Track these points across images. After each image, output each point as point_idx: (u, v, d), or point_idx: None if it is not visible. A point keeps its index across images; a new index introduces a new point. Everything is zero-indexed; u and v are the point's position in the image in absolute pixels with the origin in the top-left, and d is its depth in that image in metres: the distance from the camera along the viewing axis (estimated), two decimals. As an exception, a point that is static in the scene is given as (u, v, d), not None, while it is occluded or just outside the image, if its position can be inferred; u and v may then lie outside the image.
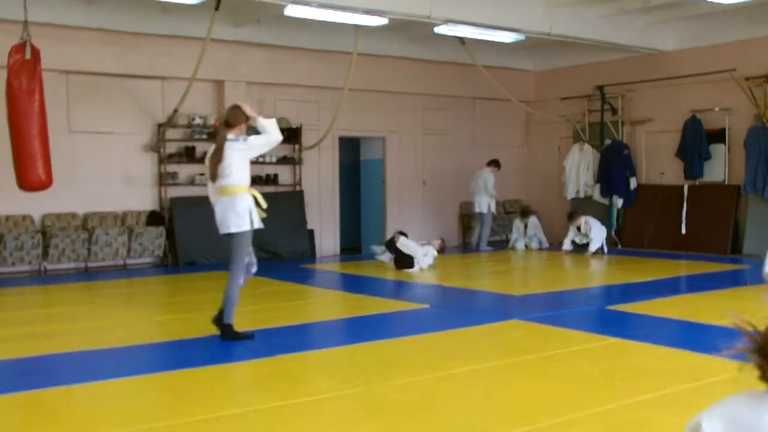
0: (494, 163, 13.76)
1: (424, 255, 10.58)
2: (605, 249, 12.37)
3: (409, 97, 14.08)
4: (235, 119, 6.07)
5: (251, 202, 5.96)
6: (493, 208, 13.58)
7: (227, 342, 5.91)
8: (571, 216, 12.73)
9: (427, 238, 14.35)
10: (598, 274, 10.14)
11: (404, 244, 10.61)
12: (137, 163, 11.51)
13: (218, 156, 5.88)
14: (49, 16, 10.08)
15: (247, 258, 6.03)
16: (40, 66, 8.15)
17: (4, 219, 10.40)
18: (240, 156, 5.95)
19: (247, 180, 6.02)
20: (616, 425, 3.86)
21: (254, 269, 6.20)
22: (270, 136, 6.06)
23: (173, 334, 6.34)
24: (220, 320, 6.03)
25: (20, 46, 8.07)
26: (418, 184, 14.41)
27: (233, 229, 5.91)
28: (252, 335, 6.06)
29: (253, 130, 6.27)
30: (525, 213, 13.65)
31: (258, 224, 5.97)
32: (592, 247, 12.11)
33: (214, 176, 5.90)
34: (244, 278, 6.08)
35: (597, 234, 12.28)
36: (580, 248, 12.41)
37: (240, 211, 5.88)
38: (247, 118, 6.08)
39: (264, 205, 6.04)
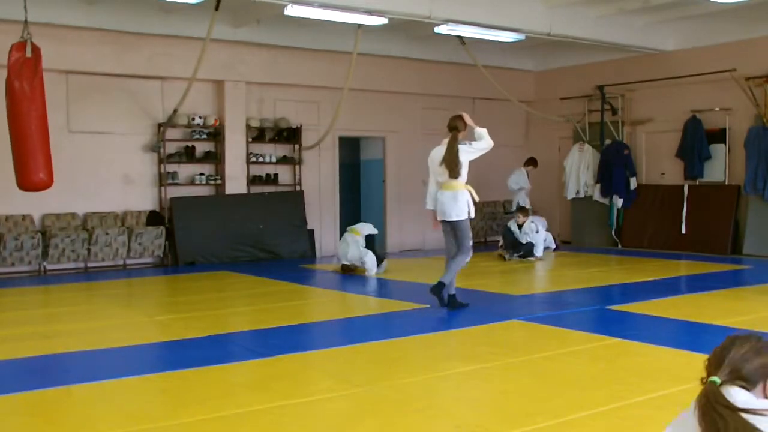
0: (527, 162, 13.87)
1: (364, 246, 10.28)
2: (540, 253, 11.86)
3: (409, 97, 14.08)
4: (461, 126, 7.34)
5: (469, 196, 7.28)
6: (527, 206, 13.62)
7: (453, 311, 7.21)
8: (522, 210, 12.19)
9: (423, 237, 14.39)
10: (597, 274, 10.13)
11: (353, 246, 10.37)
12: (137, 163, 11.52)
13: (452, 156, 7.15)
14: (49, 16, 10.08)
15: (468, 242, 7.37)
16: (41, 65, 8.12)
17: (4, 219, 10.40)
18: (464, 158, 7.23)
19: (466, 177, 7.32)
20: (616, 425, 3.86)
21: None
22: (487, 142, 7.34)
23: (173, 334, 6.34)
24: (440, 289, 7.23)
25: (21, 44, 8.06)
26: (418, 184, 14.36)
27: (454, 218, 7.23)
28: (467, 304, 7.33)
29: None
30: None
31: (473, 214, 7.35)
32: (538, 252, 11.63)
33: (450, 173, 7.19)
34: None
35: (540, 237, 11.80)
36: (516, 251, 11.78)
37: (461, 203, 7.20)
38: (466, 125, 7.34)
39: (477, 198, 7.41)
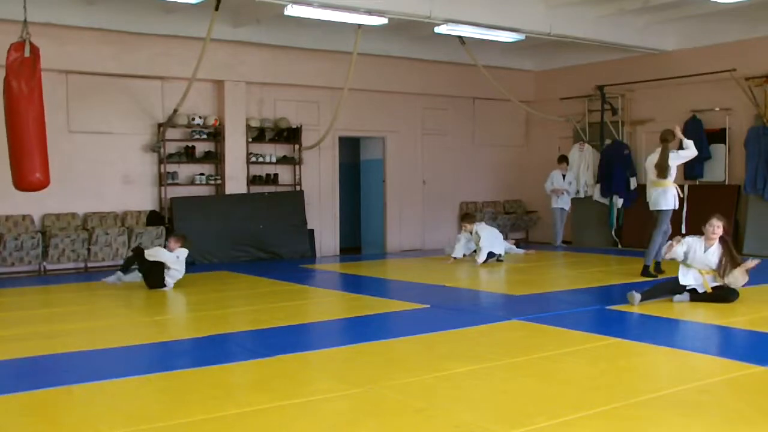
0: (558, 160, 13.94)
1: (177, 258, 8.79)
2: (502, 256, 11.29)
3: (409, 97, 14.08)
4: (670, 138, 9.27)
5: (675, 192, 9.20)
6: (559, 205, 13.70)
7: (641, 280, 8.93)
8: (465, 218, 11.44)
9: (423, 237, 14.38)
10: (597, 274, 10.13)
11: (154, 254, 8.77)
12: (137, 163, 11.52)
13: (662, 161, 9.12)
14: (49, 16, 10.09)
15: (665, 227, 9.25)
16: (39, 65, 8.11)
17: (4, 219, 10.40)
18: (671, 163, 9.16)
19: (674, 177, 9.23)
20: (616, 425, 3.86)
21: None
22: (691, 151, 9.24)
23: (173, 334, 6.34)
24: (647, 270, 9.29)
25: (19, 44, 8.04)
26: (418, 184, 14.41)
27: (663, 207, 9.17)
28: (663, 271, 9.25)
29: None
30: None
31: (676, 206, 9.27)
32: (479, 259, 10.84)
33: (660, 174, 9.16)
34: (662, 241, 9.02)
35: (485, 244, 10.91)
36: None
37: (668, 196, 9.16)
38: (674, 136, 9.28)
39: (680, 194, 9.35)
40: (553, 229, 13.89)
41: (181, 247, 8.95)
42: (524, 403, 4.24)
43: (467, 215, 11.73)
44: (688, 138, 12.57)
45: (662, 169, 9.14)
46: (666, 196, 9.16)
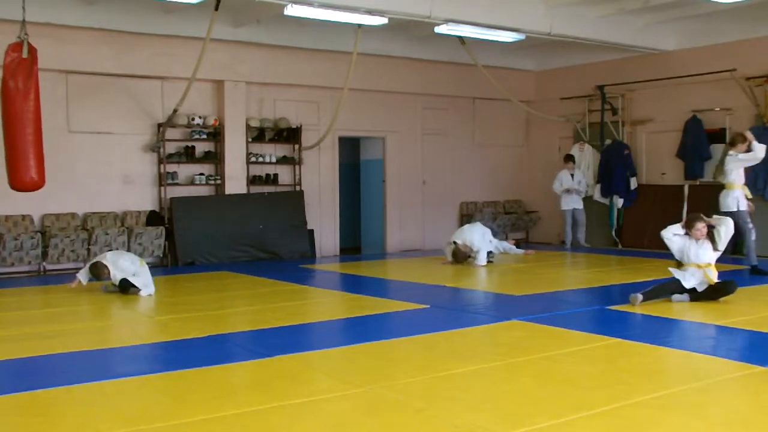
0: (564, 159, 13.81)
1: (133, 275, 8.42)
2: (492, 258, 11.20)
3: (409, 97, 14.08)
4: (736, 141, 9.40)
5: (740, 194, 9.36)
6: (571, 206, 13.53)
7: (755, 276, 9.17)
8: (456, 256, 11.03)
9: (423, 237, 14.38)
10: (597, 274, 10.13)
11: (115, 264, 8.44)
12: (137, 163, 11.52)
13: (721, 164, 9.66)
14: (49, 16, 10.09)
15: (744, 227, 9.24)
16: (36, 66, 8.11)
17: (4, 219, 10.40)
18: (736, 165, 9.33)
19: (738, 180, 9.40)
20: (616, 426, 3.86)
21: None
22: (755, 154, 9.23)
23: (173, 334, 6.34)
24: (757, 270, 9.34)
25: (17, 44, 8.04)
26: (418, 184, 14.41)
27: (725, 209, 9.18)
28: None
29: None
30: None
31: (743, 207, 9.35)
32: (479, 263, 10.74)
33: (720, 176, 9.70)
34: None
35: (481, 246, 10.83)
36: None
37: (730, 199, 9.34)
38: (745, 139, 9.30)
39: (749, 195, 9.54)
40: (564, 231, 13.77)
41: (108, 273, 8.40)
42: (524, 403, 4.24)
43: (456, 254, 11.02)
44: (691, 138, 12.72)
45: (719, 171, 9.89)
46: (726, 200, 9.39)
